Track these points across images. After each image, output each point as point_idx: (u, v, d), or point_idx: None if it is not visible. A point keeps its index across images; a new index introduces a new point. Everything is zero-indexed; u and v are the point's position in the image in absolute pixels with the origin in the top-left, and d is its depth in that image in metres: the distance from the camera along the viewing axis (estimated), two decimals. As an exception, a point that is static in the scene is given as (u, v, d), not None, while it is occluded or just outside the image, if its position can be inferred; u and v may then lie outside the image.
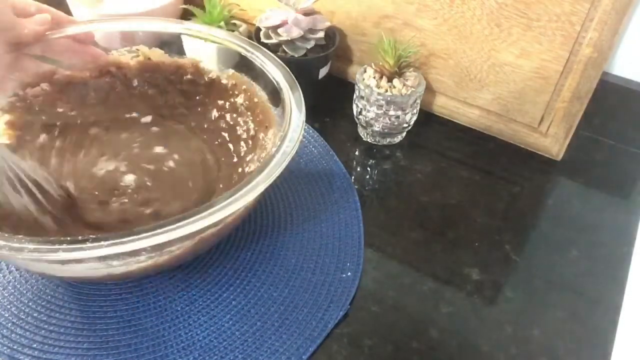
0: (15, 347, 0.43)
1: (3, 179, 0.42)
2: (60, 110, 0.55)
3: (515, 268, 0.52)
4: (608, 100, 0.64)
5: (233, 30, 0.67)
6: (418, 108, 0.63)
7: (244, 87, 0.55)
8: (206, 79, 0.57)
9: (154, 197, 0.50)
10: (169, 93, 0.58)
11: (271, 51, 0.53)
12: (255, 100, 0.54)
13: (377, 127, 0.62)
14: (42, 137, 0.53)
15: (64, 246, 0.33)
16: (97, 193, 0.49)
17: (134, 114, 0.57)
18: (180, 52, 0.57)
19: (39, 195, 0.44)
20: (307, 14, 0.65)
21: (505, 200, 0.59)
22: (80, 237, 0.34)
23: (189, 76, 0.57)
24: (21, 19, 0.46)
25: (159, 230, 0.35)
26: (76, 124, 0.55)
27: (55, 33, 0.50)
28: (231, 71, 0.56)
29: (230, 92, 0.56)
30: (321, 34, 0.65)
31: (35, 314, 0.45)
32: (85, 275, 0.41)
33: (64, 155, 0.52)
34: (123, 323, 0.45)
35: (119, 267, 0.39)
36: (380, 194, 0.59)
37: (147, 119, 0.57)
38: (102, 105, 0.57)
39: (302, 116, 0.45)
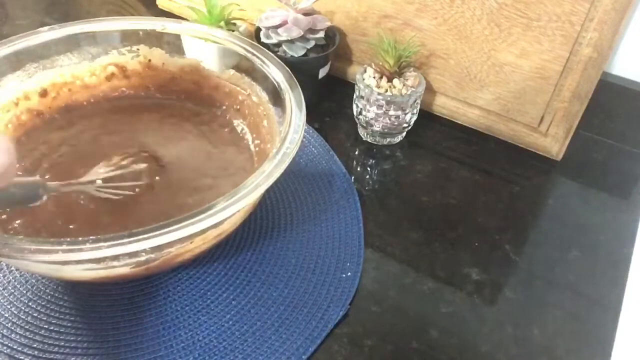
0: (15, 347, 0.43)
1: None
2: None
3: (515, 268, 0.52)
4: (608, 100, 0.64)
5: (233, 30, 0.67)
6: (418, 108, 0.63)
7: (244, 87, 0.55)
8: (206, 79, 0.57)
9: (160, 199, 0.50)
10: (168, 94, 0.58)
11: (271, 51, 0.53)
12: (256, 100, 0.54)
13: (377, 127, 0.62)
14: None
15: (64, 247, 0.33)
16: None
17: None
18: (180, 52, 0.57)
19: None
20: (307, 14, 0.65)
21: (505, 200, 0.59)
22: (80, 238, 0.34)
23: (189, 77, 0.58)
24: None
25: (158, 232, 0.35)
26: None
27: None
28: (231, 71, 0.56)
29: (231, 93, 0.57)
30: (321, 34, 0.65)
31: (35, 314, 0.45)
32: (85, 276, 0.41)
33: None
34: (123, 323, 0.45)
35: (118, 268, 0.40)
36: (380, 194, 0.59)
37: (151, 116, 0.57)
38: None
39: (303, 116, 0.45)
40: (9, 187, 0.38)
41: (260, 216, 0.54)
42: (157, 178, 0.50)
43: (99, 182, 0.47)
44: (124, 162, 0.49)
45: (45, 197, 0.41)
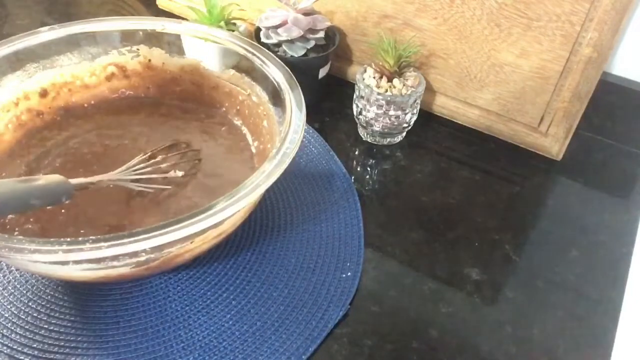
0: (15, 347, 0.43)
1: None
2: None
3: (515, 268, 0.52)
4: (608, 100, 0.64)
5: (233, 30, 0.67)
6: (418, 108, 0.63)
7: (244, 87, 0.55)
8: (206, 79, 0.57)
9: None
10: (169, 95, 0.58)
11: (271, 51, 0.53)
12: (256, 100, 0.54)
13: (377, 127, 0.62)
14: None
15: (64, 247, 0.33)
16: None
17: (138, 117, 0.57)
18: (180, 52, 0.57)
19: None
20: (307, 14, 0.64)
21: (505, 200, 0.59)
22: (80, 238, 0.34)
23: (189, 77, 0.58)
24: None
25: (158, 232, 0.35)
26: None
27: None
28: (231, 71, 0.56)
29: (231, 93, 0.56)
30: (321, 34, 0.65)
31: (35, 314, 0.45)
32: (85, 276, 0.41)
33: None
34: (123, 323, 0.45)
35: (118, 268, 0.39)
36: (380, 194, 0.59)
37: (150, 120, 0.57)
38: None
39: (303, 116, 0.45)
40: (30, 198, 0.38)
41: (260, 216, 0.54)
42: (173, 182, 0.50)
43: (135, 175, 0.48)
44: (164, 164, 0.50)
45: (67, 202, 0.41)
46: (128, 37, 0.56)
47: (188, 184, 0.50)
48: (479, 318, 0.47)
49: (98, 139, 0.54)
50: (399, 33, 0.67)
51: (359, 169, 0.62)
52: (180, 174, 0.50)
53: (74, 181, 0.42)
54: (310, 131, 0.64)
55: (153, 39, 0.56)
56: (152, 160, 0.50)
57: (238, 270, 0.49)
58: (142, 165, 0.49)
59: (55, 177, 0.40)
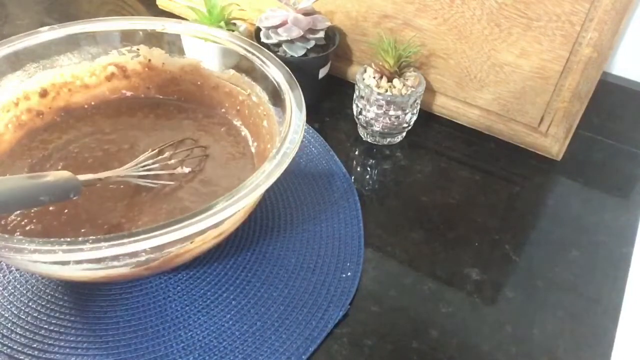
0: (15, 347, 0.43)
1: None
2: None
3: (515, 268, 0.52)
4: (608, 100, 0.64)
5: (233, 30, 0.67)
6: (418, 108, 0.63)
7: (244, 87, 0.55)
8: (206, 79, 0.57)
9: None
10: (168, 95, 0.58)
11: (271, 51, 0.53)
12: (256, 100, 0.54)
13: (377, 127, 0.62)
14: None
15: (64, 247, 0.33)
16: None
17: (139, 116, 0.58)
18: (180, 52, 0.57)
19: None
20: (307, 14, 0.64)
21: (505, 200, 0.59)
22: (80, 238, 0.34)
23: (189, 77, 0.58)
24: None
25: (158, 232, 0.35)
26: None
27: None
28: (231, 71, 0.56)
29: (231, 93, 0.56)
30: (321, 34, 0.65)
31: (35, 314, 0.45)
32: (85, 276, 0.41)
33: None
34: (123, 323, 0.45)
35: (118, 268, 0.40)
36: (380, 194, 0.59)
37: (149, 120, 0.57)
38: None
39: (303, 116, 0.45)
40: (39, 194, 0.38)
41: (260, 216, 0.54)
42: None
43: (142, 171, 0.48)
44: (171, 161, 0.51)
45: (75, 198, 0.41)
46: (128, 37, 0.56)
47: (191, 181, 0.50)
48: (479, 318, 0.48)
49: (99, 142, 0.54)
50: (399, 33, 0.67)
51: (359, 169, 0.62)
52: (187, 170, 0.50)
53: (83, 177, 0.42)
54: (310, 131, 0.64)
55: (153, 39, 0.56)
56: (160, 157, 0.50)
57: (238, 270, 0.49)
58: (150, 161, 0.49)
59: (64, 174, 0.41)
